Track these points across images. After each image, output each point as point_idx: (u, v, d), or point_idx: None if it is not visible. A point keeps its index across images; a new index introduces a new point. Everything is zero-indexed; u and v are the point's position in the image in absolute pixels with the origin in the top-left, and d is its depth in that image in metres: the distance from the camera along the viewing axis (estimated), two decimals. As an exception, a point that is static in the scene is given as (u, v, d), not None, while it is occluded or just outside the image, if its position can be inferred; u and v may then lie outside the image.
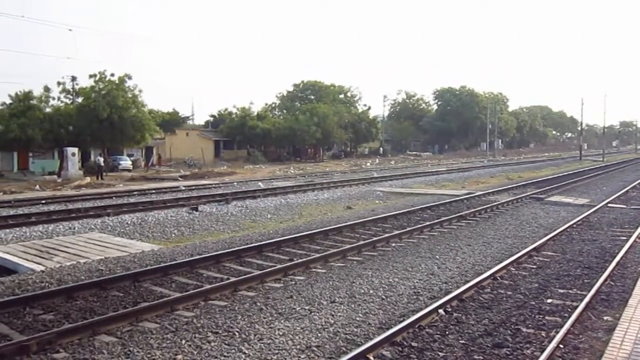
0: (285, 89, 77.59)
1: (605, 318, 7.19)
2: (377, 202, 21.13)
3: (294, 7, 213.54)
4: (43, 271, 9.37)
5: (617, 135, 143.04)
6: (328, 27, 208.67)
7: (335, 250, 10.87)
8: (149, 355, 5.78)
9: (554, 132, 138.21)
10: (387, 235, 12.58)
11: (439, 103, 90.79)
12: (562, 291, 8.48)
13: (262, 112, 62.69)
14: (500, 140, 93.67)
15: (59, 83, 40.97)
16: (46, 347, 5.87)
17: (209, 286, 8.18)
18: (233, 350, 5.94)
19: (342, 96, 76.20)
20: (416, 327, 6.62)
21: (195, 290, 7.91)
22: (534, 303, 7.83)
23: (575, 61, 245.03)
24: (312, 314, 7.21)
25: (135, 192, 24.72)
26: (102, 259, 10.32)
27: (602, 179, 33.49)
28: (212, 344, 6.13)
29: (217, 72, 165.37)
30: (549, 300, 7.97)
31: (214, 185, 29.10)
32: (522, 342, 6.32)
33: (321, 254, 10.44)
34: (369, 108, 75.23)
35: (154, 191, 25.44)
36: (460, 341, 6.33)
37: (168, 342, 6.17)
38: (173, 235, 13.83)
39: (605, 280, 8.91)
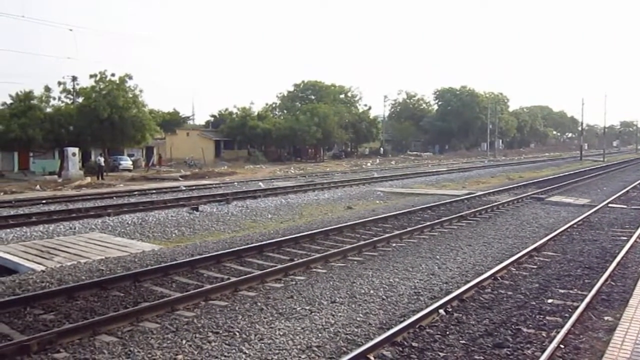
0: (286, 89, 77.78)
1: (606, 318, 7.19)
2: (377, 202, 21.13)
3: (294, 7, 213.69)
4: (44, 271, 9.37)
5: (618, 135, 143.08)
6: (328, 27, 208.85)
7: (335, 250, 10.87)
8: (149, 355, 5.78)
9: (554, 132, 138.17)
10: (387, 235, 12.58)
11: (440, 103, 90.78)
12: (562, 291, 8.47)
13: (262, 112, 62.71)
14: (500, 141, 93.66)
15: (59, 83, 41.08)
16: (47, 347, 5.87)
17: (209, 286, 8.18)
18: (233, 350, 5.94)
19: (342, 96, 76.22)
20: (417, 327, 6.62)
21: (196, 290, 7.91)
22: (534, 303, 7.83)
23: (575, 61, 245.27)
24: (313, 314, 7.21)
25: (135, 192, 24.72)
26: (103, 259, 10.33)
27: (602, 179, 33.48)
28: (213, 344, 6.14)
29: (217, 72, 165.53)
30: (550, 301, 7.97)
31: (214, 185, 29.11)
32: (523, 342, 6.32)
33: (322, 254, 10.44)
34: (370, 108, 75.40)
35: (154, 191, 25.44)
36: (461, 341, 6.33)
37: (168, 342, 6.17)
38: (174, 235, 13.83)
39: (606, 280, 8.91)
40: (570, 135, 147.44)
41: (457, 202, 19.75)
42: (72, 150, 35.05)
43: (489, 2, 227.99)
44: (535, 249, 11.33)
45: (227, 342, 6.19)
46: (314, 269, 9.60)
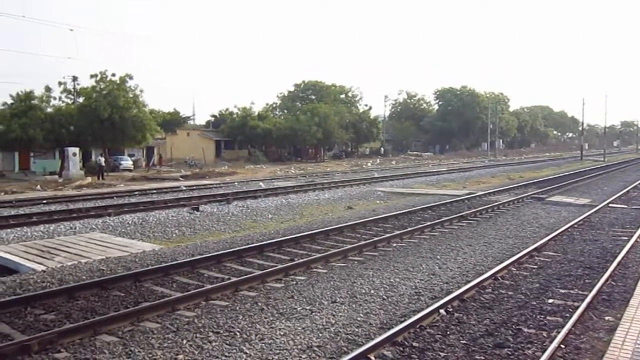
0: (286, 89, 77.79)
1: (606, 318, 7.19)
2: (378, 202, 21.12)
3: (294, 7, 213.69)
4: (44, 271, 9.37)
5: (618, 135, 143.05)
6: (329, 27, 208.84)
7: (336, 250, 10.87)
8: (150, 355, 5.78)
9: (555, 132, 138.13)
10: (388, 235, 12.57)
11: (440, 103, 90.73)
12: (563, 291, 8.47)
13: (263, 112, 62.71)
14: (501, 140, 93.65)
15: (60, 83, 41.11)
16: (47, 346, 5.88)
17: (210, 286, 8.19)
18: (234, 350, 5.94)
19: (343, 96, 76.21)
20: (417, 327, 6.62)
21: (197, 290, 7.92)
22: (535, 303, 7.82)
23: (576, 61, 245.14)
24: (313, 314, 7.21)
25: (136, 192, 24.73)
26: (103, 258, 10.33)
27: (603, 179, 33.47)
28: (213, 343, 6.14)
29: (218, 72, 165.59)
30: (550, 301, 7.96)
31: (215, 185, 29.11)
32: (524, 342, 6.32)
33: (322, 254, 10.44)
34: (370, 108, 75.34)
35: (155, 191, 25.45)
36: (462, 341, 6.33)
37: (169, 342, 6.17)
38: (174, 235, 13.84)
39: (607, 280, 8.90)
40: (570, 135, 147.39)
41: (458, 202, 19.75)
42: (73, 150, 35.06)
43: (489, 2, 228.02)
44: (535, 248, 11.32)
45: (227, 342, 6.20)
46: (315, 269, 9.61)
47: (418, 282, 8.86)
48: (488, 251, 11.44)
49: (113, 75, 39.62)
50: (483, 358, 5.88)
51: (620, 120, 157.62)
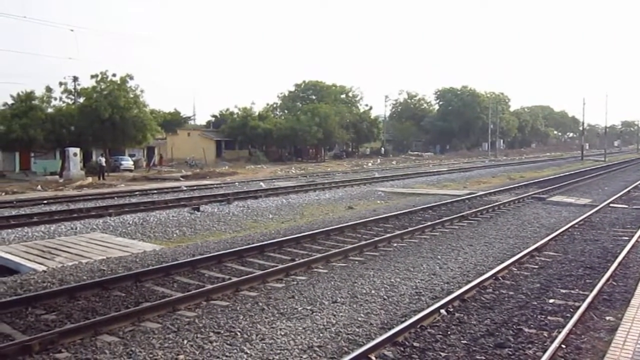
0: (287, 89, 77.78)
1: (607, 318, 7.18)
2: (378, 202, 21.12)
3: (294, 7, 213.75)
4: (45, 271, 9.38)
5: (619, 135, 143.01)
6: (329, 27, 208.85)
7: (337, 250, 10.87)
8: (151, 355, 5.78)
9: (555, 132, 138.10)
10: (388, 235, 12.57)
11: (441, 103, 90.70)
12: (564, 291, 8.47)
13: (263, 112, 62.72)
14: (501, 140, 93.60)
15: (60, 83, 41.03)
16: (48, 347, 5.88)
17: (210, 286, 8.19)
18: (235, 351, 5.94)
19: (343, 96, 76.18)
20: (418, 327, 6.62)
21: (197, 290, 7.92)
22: (536, 303, 7.82)
23: (576, 61, 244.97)
24: (314, 314, 7.21)
25: (137, 192, 24.73)
26: (104, 259, 10.34)
27: (603, 179, 33.46)
28: (214, 344, 6.14)
29: (218, 72, 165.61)
30: (551, 301, 7.96)
31: (215, 186, 29.11)
32: (524, 342, 6.32)
33: (323, 254, 10.44)
34: (371, 108, 75.29)
35: (155, 191, 25.45)
36: (462, 341, 6.32)
37: (170, 342, 6.17)
38: (175, 235, 13.84)
39: (608, 280, 8.90)
40: (571, 135, 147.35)
41: (458, 202, 19.75)
42: (74, 150, 35.07)
43: (489, 2, 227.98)
44: (536, 248, 11.32)
45: (228, 342, 6.20)
46: (315, 269, 9.61)
47: (419, 282, 8.86)
48: (489, 251, 11.44)
49: (114, 75, 39.67)
50: (484, 358, 5.88)
51: (621, 120, 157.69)
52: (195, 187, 27.65)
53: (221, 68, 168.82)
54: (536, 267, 10.08)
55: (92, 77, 39.34)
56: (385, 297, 8.05)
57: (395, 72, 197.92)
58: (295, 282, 8.77)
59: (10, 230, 14.02)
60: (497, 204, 18.80)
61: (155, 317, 6.95)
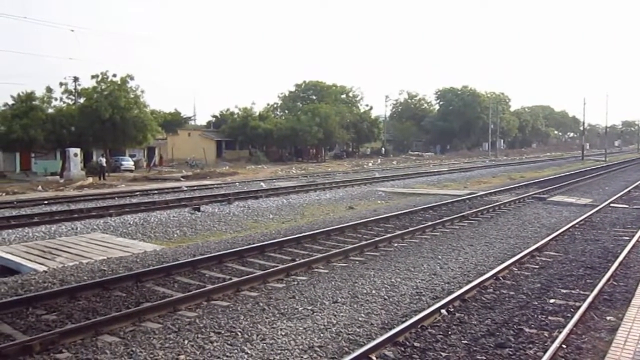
0: (287, 89, 77.79)
1: (608, 318, 7.18)
2: (379, 202, 21.12)
3: (295, 7, 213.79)
4: (46, 271, 9.39)
5: (620, 135, 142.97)
6: (329, 27, 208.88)
7: (337, 250, 10.87)
8: (151, 356, 5.79)
9: (556, 132, 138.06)
10: (389, 235, 12.57)
11: (441, 103, 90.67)
12: (564, 291, 8.46)
13: (264, 113, 62.76)
14: (502, 140, 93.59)
15: (61, 84, 41.06)
16: (49, 347, 5.88)
17: (211, 286, 8.19)
18: (235, 351, 5.94)
19: (344, 96, 76.17)
20: (419, 327, 6.62)
21: (198, 291, 7.92)
22: (536, 303, 7.82)
23: (577, 61, 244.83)
24: (315, 314, 7.21)
25: (137, 193, 24.74)
26: (105, 259, 10.34)
27: (604, 178, 33.46)
28: (215, 344, 6.14)
29: (218, 72, 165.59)
30: (552, 301, 7.96)
31: (216, 186, 29.12)
32: (525, 342, 6.31)
33: (323, 254, 10.44)
34: (371, 108, 75.29)
35: (156, 191, 25.46)
36: (463, 341, 6.32)
37: (171, 342, 6.18)
38: (175, 235, 13.84)
39: (608, 280, 8.90)
40: (571, 135, 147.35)
41: (459, 202, 19.75)
42: (74, 150, 35.11)
43: (489, 2, 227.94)
44: (537, 248, 11.32)
45: (229, 342, 6.20)
46: (316, 269, 9.61)
47: (419, 282, 8.86)
48: (489, 251, 11.44)
49: (114, 75, 39.69)
50: (484, 358, 5.88)
51: (622, 120, 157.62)
52: (195, 188, 27.66)
53: (221, 68, 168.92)
54: (537, 267, 10.07)
55: (93, 77, 39.41)
56: (385, 297, 8.05)
57: (395, 72, 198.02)
58: (295, 282, 8.77)
59: (10, 231, 14.03)
60: (497, 204, 18.80)
61: (156, 317, 6.95)
